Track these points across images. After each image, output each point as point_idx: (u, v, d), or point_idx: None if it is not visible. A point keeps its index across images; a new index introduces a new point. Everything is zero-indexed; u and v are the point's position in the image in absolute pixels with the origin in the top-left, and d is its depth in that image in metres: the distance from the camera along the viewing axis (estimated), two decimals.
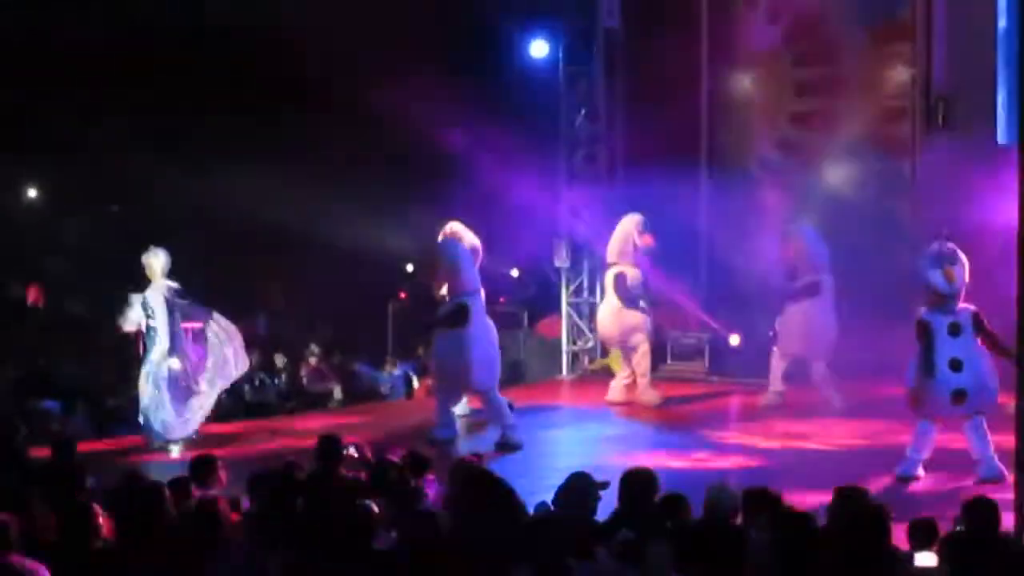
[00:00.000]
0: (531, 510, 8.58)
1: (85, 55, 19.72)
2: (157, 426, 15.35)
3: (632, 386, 18.59)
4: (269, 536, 8.23)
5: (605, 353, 20.47)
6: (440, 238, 15.90)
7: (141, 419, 15.50)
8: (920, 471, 13.46)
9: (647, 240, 18.22)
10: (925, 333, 13.39)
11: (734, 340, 20.03)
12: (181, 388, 15.43)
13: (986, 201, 14.73)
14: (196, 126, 19.93)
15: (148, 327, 15.44)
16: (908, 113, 19.74)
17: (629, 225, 18.28)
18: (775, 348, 17.97)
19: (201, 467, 10.19)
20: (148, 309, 15.43)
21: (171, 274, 15.59)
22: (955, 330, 13.37)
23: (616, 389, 18.67)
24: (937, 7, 19.19)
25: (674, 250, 18.78)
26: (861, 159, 19.81)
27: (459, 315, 15.49)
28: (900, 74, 19.79)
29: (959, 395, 13.33)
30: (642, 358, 18.39)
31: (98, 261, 18.86)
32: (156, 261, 15.53)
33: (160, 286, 15.49)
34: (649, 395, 18.33)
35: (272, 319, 21.05)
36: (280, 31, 19.90)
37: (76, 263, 20.24)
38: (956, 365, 13.31)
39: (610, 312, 18.53)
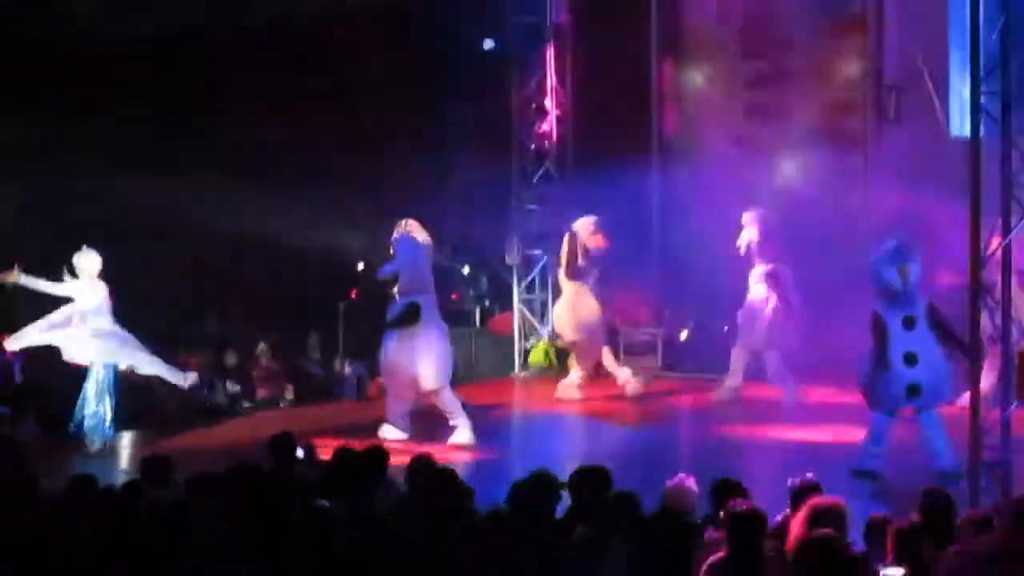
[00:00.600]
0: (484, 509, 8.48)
1: (36, 60, 19.50)
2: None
3: (584, 384, 18.51)
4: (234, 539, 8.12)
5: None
6: (394, 234, 15.78)
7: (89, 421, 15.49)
8: (877, 465, 13.38)
9: (599, 241, 18.18)
10: (879, 326, 13.33)
11: (683, 335, 20.03)
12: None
13: (938, 192, 14.74)
14: (139, 130, 19.68)
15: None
16: (860, 105, 19.72)
17: (581, 227, 18.27)
18: (736, 343, 17.93)
19: (153, 467, 10.04)
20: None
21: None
22: (910, 323, 13.31)
23: (568, 387, 18.59)
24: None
25: (625, 245, 18.72)
26: (813, 151, 19.77)
27: (410, 314, 15.40)
28: (852, 66, 19.77)
29: (913, 389, 13.26)
30: (607, 354, 18.49)
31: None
32: (89, 261, 15.54)
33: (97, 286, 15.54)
34: (635, 385, 18.39)
35: (221, 319, 20.84)
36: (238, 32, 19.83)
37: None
38: (911, 359, 13.25)
39: (567, 305, 18.49)
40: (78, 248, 15.78)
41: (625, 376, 18.52)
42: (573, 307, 18.43)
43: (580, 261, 18.28)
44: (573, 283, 18.46)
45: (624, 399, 18.26)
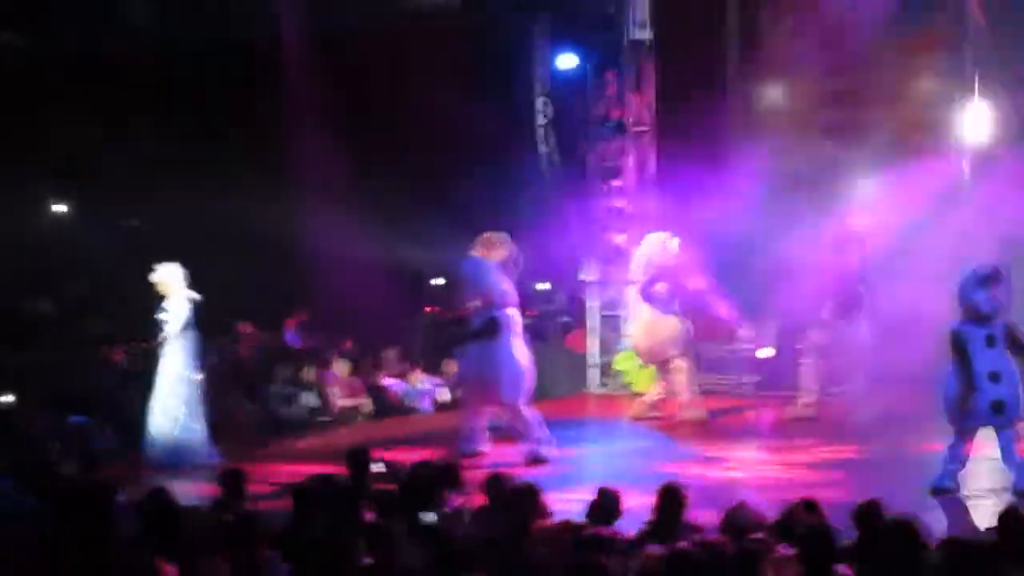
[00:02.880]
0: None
1: (102, 69, 19.76)
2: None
3: (660, 403, 18.48)
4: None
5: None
6: (464, 259, 15.80)
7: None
8: (955, 483, 13.35)
9: (670, 256, 18.12)
10: (960, 344, 13.32)
11: (765, 352, 19.92)
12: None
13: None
14: (217, 141, 19.90)
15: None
16: (939, 123, 19.61)
17: (653, 243, 18.25)
18: (807, 359, 17.89)
19: (230, 480, 10.14)
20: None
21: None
22: (991, 342, 13.31)
23: (641, 405, 18.56)
24: (969, 16, 19.10)
25: (703, 262, 18.68)
26: (893, 170, 19.68)
27: (489, 328, 15.41)
28: (933, 84, 19.67)
29: (998, 406, 13.25)
30: (676, 374, 18.27)
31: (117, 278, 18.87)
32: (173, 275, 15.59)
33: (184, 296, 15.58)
34: (691, 412, 18.21)
35: (302, 333, 21.01)
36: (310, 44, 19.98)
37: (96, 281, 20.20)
38: (995, 376, 13.24)
39: (642, 325, 18.47)
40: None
41: (686, 398, 18.40)
42: (647, 329, 18.36)
43: (653, 282, 18.18)
44: (647, 304, 18.38)
45: (695, 420, 18.19)
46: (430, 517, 8.79)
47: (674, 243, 18.24)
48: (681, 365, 18.31)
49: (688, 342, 18.43)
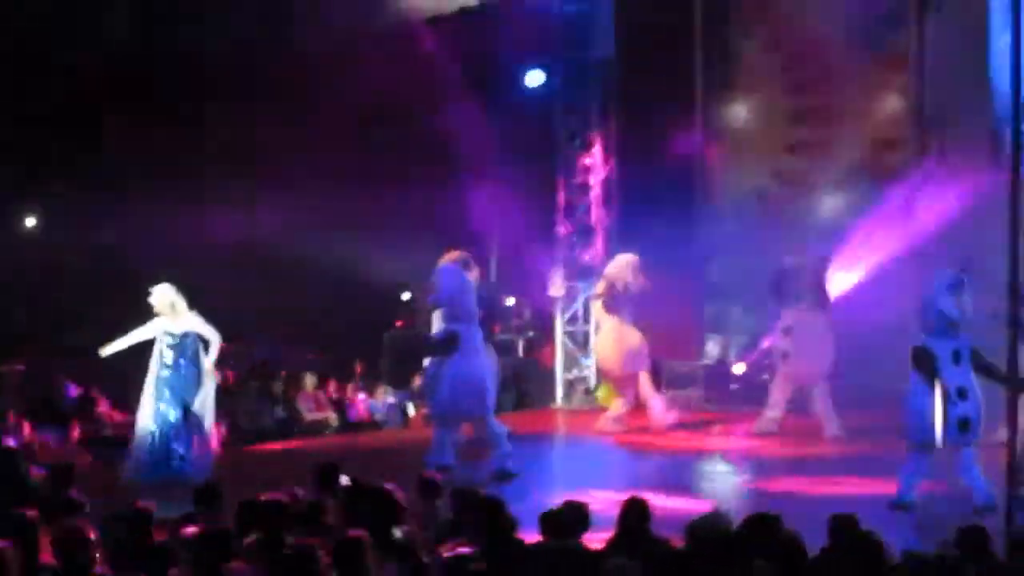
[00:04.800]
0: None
1: (83, 81, 19.75)
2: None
3: (626, 416, 18.66)
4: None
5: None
6: (440, 265, 15.89)
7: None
8: (915, 498, 13.43)
9: (639, 278, 18.30)
10: (927, 360, 13.35)
11: (738, 369, 20.05)
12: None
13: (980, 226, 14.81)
14: (190, 150, 19.93)
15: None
16: (902, 140, 19.81)
17: (622, 266, 18.41)
18: (778, 373, 18.03)
19: (206, 496, 10.12)
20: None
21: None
22: (957, 358, 13.35)
23: (609, 419, 18.73)
24: (931, 35, 19.29)
25: (669, 278, 18.83)
26: (856, 187, 19.90)
27: (449, 342, 15.47)
28: (894, 101, 19.88)
29: (964, 423, 13.28)
30: (645, 383, 18.56)
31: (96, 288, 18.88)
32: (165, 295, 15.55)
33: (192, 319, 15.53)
34: (664, 417, 18.50)
35: (269, 345, 21.03)
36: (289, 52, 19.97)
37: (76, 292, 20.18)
38: (962, 393, 13.29)
39: (610, 338, 18.63)
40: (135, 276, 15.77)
41: (658, 407, 18.64)
42: (616, 339, 18.56)
43: (618, 295, 18.39)
44: (612, 317, 18.60)
45: (663, 430, 18.36)
46: (398, 533, 8.84)
47: (636, 263, 18.37)
48: (646, 376, 18.53)
49: (647, 355, 18.63)
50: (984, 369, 13.27)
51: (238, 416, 18.55)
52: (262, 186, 20.44)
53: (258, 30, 19.54)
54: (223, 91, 20.45)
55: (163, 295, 15.37)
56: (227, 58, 19.93)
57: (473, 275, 15.94)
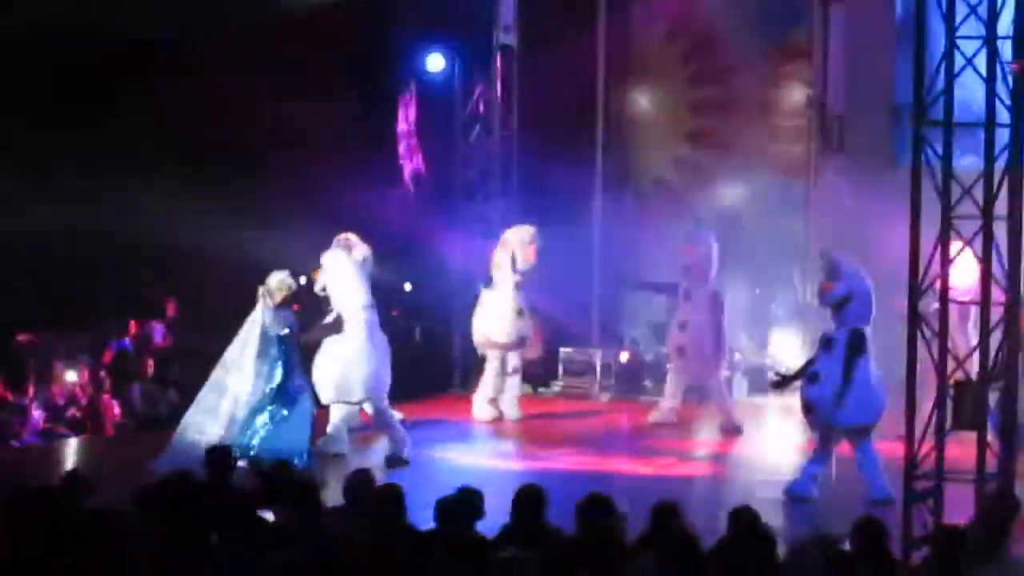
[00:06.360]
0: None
1: None
2: None
3: (496, 401, 18.38)
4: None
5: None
6: (330, 249, 15.69)
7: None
8: (812, 490, 13.39)
9: (529, 254, 17.99)
10: (861, 346, 13.26)
11: (623, 357, 20.06)
12: None
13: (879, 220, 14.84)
14: (96, 140, 19.52)
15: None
16: (804, 133, 19.87)
17: (515, 237, 18.11)
18: (673, 366, 17.95)
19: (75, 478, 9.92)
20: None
21: None
22: (827, 344, 13.34)
23: (482, 406, 18.39)
24: (833, 28, 19.38)
25: (566, 263, 18.75)
26: (757, 178, 19.94)
27: (332, 327, 15.31)
28: (796, 94, 19.95)
29: (808, 407, 13.31)
30: (515, 373, 18.34)
31: None
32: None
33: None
34: (517, 411, 18.25)
35: (168, 330, 20.72)
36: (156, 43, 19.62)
37: None
38: (814, 377, 13.27)
39: (482, 310, 18.26)
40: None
41: (506, 399, 18.38)
42: (484, 312, 18.26)
43: (508, 269, 18.05)
44: (490, 291, 18.31)
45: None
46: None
47: (532, 237, 18.03)
48: (514, 360, 18.34)
49: (523, 338, 18.37)
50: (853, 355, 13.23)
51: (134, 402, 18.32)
52: (160, 170, 20.07)
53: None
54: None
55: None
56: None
57: (362, 258, 15.69)
